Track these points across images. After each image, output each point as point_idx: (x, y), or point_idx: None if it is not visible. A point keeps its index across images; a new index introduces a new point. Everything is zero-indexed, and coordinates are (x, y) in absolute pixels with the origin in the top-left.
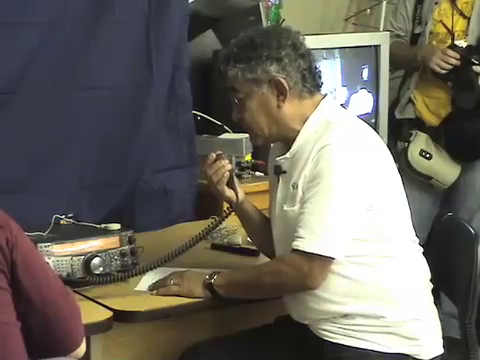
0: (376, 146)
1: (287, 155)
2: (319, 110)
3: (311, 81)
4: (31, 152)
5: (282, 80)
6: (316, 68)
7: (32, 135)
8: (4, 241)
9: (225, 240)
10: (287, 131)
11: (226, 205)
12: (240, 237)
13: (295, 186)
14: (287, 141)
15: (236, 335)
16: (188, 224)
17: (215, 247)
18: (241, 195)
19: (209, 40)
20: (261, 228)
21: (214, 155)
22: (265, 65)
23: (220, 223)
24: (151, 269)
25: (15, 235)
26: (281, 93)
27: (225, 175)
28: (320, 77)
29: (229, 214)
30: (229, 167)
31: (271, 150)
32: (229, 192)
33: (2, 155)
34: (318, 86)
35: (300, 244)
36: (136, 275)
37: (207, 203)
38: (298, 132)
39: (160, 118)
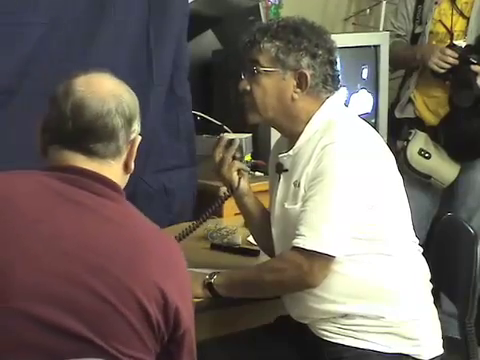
0: (378, 146)
1: (290, 152)
2: (323, 109)
3: (330, 87)
4: (31, 152)
5: (308, 75)
6: (338, 76)
7: (32, 135)
8: (162, 317)
9: (225, 240)
10: (292, 124)
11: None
12: (240, 237)
13: (297, 184)
14: (290, 137)
15: (236, 335)
16: (188, 224)
17: (215, 247)
18: (244, 186)
19: (209, 40)
20: (262, 225)
21: (228, 139)
22: (299, 54)
23: (218, 207)
24: None
25: (176, 306)
26: (300, 86)
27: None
28: (338, 82)
29: (227, 198)
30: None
31: (272, 149)
32: (234, 176)
33: (2, 155)
34: (332, 92)
35: (301, 242)
36: None
37: (207, 203)
38: (302, 129)
39: (160, 118)
